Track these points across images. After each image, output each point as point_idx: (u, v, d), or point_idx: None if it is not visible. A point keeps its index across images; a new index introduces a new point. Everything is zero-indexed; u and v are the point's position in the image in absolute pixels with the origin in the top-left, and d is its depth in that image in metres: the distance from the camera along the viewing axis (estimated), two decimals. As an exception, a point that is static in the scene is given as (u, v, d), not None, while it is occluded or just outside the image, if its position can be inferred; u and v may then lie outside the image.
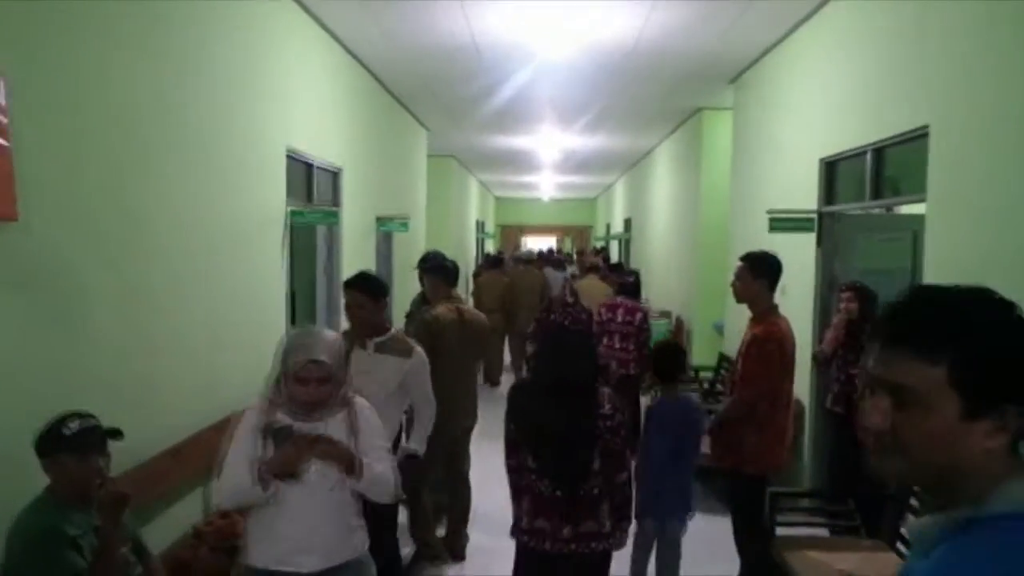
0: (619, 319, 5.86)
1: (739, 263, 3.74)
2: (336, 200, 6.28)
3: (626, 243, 16.20)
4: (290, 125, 5.11)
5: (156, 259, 3.32)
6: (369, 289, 3.47)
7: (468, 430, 4.66)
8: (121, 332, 3.04)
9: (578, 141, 11.69)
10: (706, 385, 7.17)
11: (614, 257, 17.04)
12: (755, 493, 3.60)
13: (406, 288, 8.84)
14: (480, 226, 19.32)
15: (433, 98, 8.68)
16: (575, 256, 18.73)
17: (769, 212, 5.03)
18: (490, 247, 21.30)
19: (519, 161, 14.09)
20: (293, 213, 4.99)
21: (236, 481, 2.33)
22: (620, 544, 2.87)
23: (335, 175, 6.27)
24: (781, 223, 4.98)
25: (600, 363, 3.18)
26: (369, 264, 7.35)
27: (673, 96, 8.29)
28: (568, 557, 2.73)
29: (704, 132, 8.67)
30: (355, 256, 6.76)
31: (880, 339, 1.05)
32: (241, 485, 2.32)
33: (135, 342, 3.13)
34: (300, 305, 6.75)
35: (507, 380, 10.06)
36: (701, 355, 8.23)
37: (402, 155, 9.11)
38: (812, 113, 5.15)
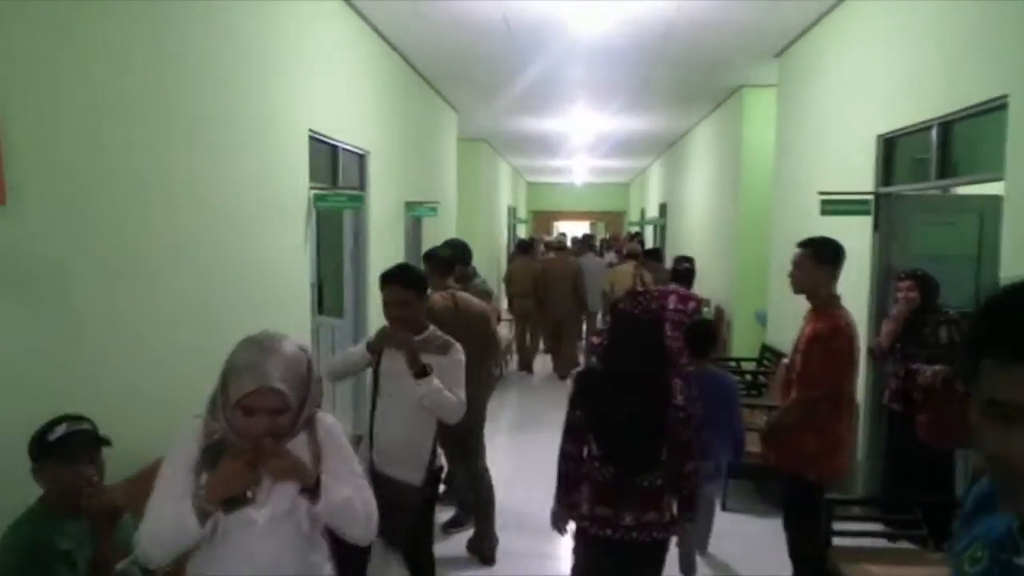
0: (671, 306, 5.56)
1: (797, 249, 3.41)
2: (363, 184, 6.07)
3: (661, 228, 15.81)
4: (314, 106, 4.89)
5: (155, 242, 3.10)
6: (412, 282, 3.22)
7: (475, 423, 4.38)
8: (111, 329, 2.84)
9: (612, 123, 11.33)
10: (748, 376, 6.84)
11: (649, 243, 16.67)
12: (813, 501, 3.31)
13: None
14: (512, 212, 19.04)
15: (463, 79, 8.42)
16: (609, 242, 18.40)
17: (821, 193, 4.68)
18: (522, 233, 21.04)
19: (551, 145, 13.76)
20: (316, 197, 4.78)
21: (164, 522, 1.76)
22: (681, 534, 2.89)
23: (362, 158, 6.06)
24: (835, 205, 4.64)
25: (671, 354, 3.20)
26: (398, 250, 7.14)
27: (713, 73, 7.92)
28: (629, 544, 2.74)
29: (745, 110, 8.28)
30: (383, 243, 6.56)
31: (1002, 355, 0.86)
32: (171, 523, 1.75)
33: (126, 339, 2.93)
34: (328, 295, 6.58)
35: (541, 365, 10.13)
36: (742, 345, 7.89)
37: (432, 138, 8.88)
38: (868, 86, 4.78)
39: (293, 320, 4.70)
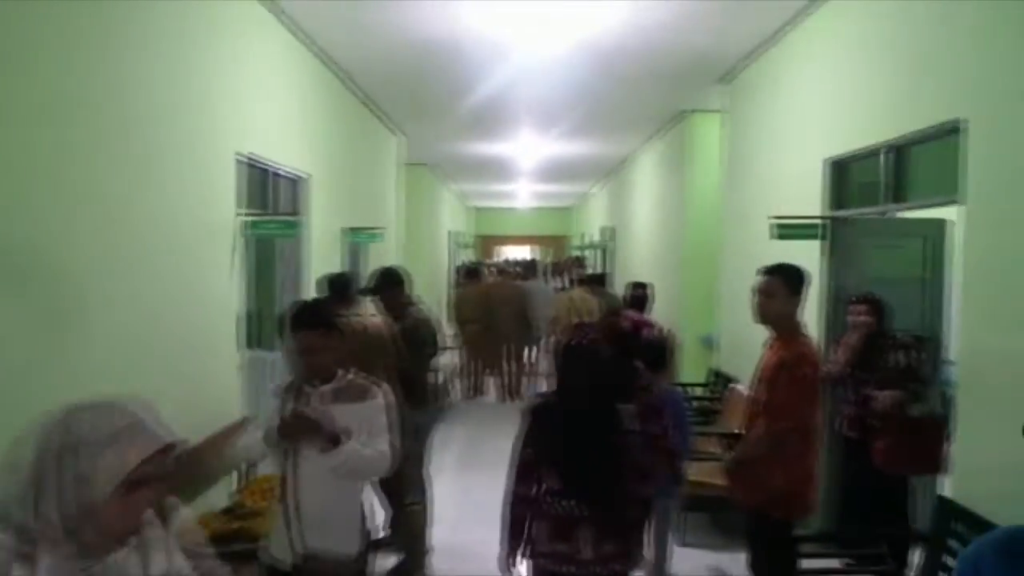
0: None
1: (765, 276, 3.26)
2: (300, 210, 5.76)
3: (604, 252, 15.81)
4: (244, 128, 4.60)
5: (66, 272, 2.80)
6: (323, 323, 2.84)
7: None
8: (25, 348, 2.51)
9: (557, 147, 11.27)
10: (696, 402, 6.73)
11: (591, 267, 16.66)
12: (782, 538, 3.15)
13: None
14: (453, 236, 18.83)
15: (408, 101, 8.21)
16: (551, 267, 18.31)
17: (773, 218, 4.60)
18: (465, 258, 20.82)
19: (496, 168, 13.64)
20: (249, 224, 4.46)
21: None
22: (637, 565, 2.86)
23: (298, 183, 5.76)
24: (788, 230, 4.56)
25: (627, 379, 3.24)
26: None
27: (657, 98, 7.91)
28: None
29: (689, 136, 8.28)
30: (323, 271, 6.23)
31: None
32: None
33: (39, 359, 2.60)
34: (264, 327, 6.21)
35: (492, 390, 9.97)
36: (689, 370, 7.78)
37: (374, 162, 8.62)
38: (817, 110, 4.76)
39: (220, 353, 4.37)
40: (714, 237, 7.61)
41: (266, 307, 6.05)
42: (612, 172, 14.27)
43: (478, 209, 24.07)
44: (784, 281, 3.18)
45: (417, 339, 4.49)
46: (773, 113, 5.59)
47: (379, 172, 9.08)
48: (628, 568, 2.77)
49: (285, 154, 5.35)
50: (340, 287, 4.43)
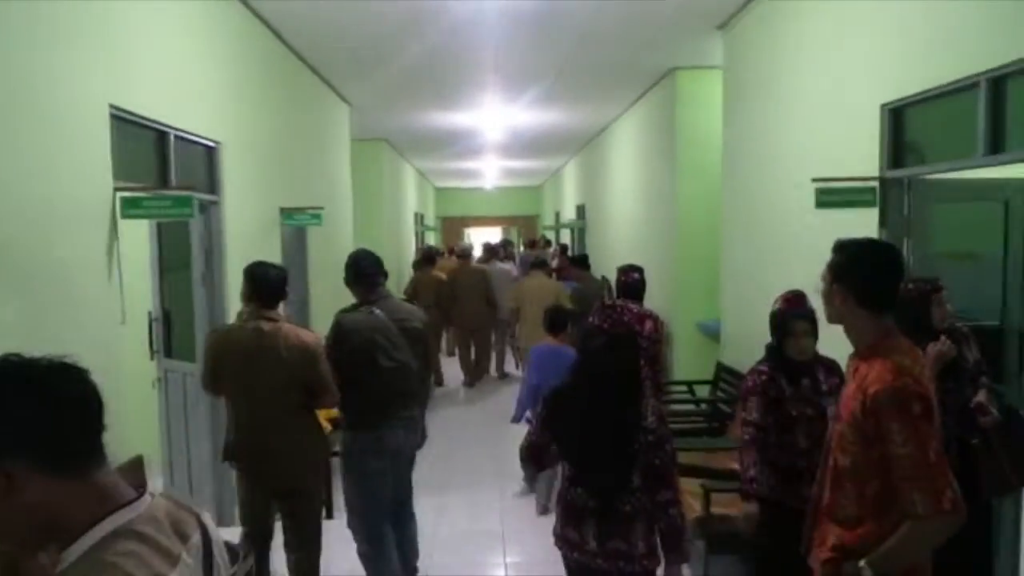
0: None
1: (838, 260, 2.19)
2: (213, 185, 4.63)
3: (580, 232, 14.80)
4: (124, 71, 3.46)
5: None
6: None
7: (292, 491, 3.46)
8: None
9: (525, 117, 10.18)
10: (705, 405, 5.78)
11: (560, 248, 15.61)
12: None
13: (326, 295, 7.22)
14: (419, 219, 17.66)
15: (355, 63, 7.05)
16: (523, 248, 17.23)
17: (816, 181, 3.61)
18: (432, 241, 19.68)
19: (459, 143, 12.45)
20: (126, 202, 3.34)
21: None
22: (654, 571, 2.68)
23: (211, 152, 4.62)
24: (831, 196, 3.58)
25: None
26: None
27: (641, 54, 6.87)
28: (597, 572, 2.65)
29: (679, 97, 7.27)
30: (249, 258, 5.12)
31: None
32: None
33: None
34: (177, 332, 5.09)
35: (452, 374, 9.48)
36: (689, 365, 6.83)
37: (317, 134, 7.46)
38: (867, 44, 3.74)
39: (100, 367, 3.24)
40: (714, 212, 6.64)
41: (181, 307, 4.94)
42: (588, 144, 13.22)
43: (442, 190, 22.90)
44: (850, 269, 2.09)
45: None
46: (794, 58, 4.57)
47: (328, 146, 7.92)
48: (640, 571, 2.62)
49: (191, 114, 4.21)
50: (264, 282, 3.41)
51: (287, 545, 3.53)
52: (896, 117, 3.54)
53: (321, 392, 3.41)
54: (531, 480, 5.37)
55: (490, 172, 18.14)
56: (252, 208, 5.25)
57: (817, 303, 4.23)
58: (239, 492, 3.58)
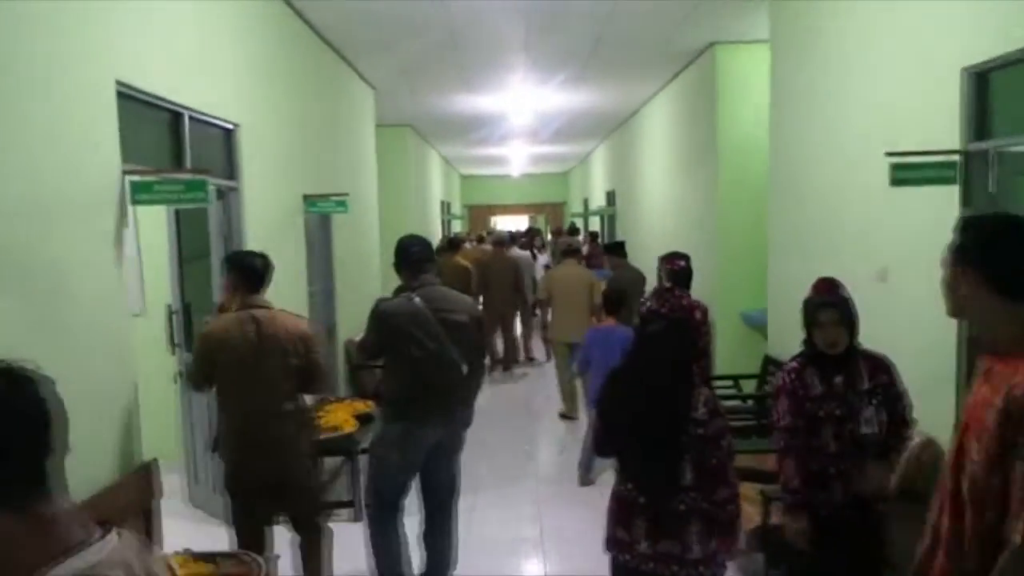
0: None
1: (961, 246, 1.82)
2: (232, 170, 4.39)
3: (610, 219, 14.43)
4: (133, 48, 3.22)
5: None
6: None
7: (283, 484, 3.31)
8: None
9: (555, 100, 9.84)
10: (750, 402, 5.44)
11: (594, 235, 15.24)
12: None
13: (352, 284, 6.97)
14: (445, 207, 17.40)
15: (380, 44, 6.77)
16: (550, 236, 16.85)
17: (891, 156, 3.25)
18: (458, 229, 19.44)
19: (486, 128, 12.13)
20: (136, 186, 3.09)
21: None
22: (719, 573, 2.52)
23: (229, 134, 4.37)
24: (909, 172, 3.22)
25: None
26: (295, 258, 5.47)
27: (677, 30, 6.50)
28: (649, 575, 2.48)
29: (720, 73, 6.88)
30: (270, 249, 4.88)
31: None
32: None
33: None
34: (198, 326, 4.87)
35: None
36: (733, 357, 6.49)
37: (341, 117, 7.20)
38: (944, 1, 3.37)
39: (107, 361, 3.02)
40: (757, 195, 6.28)
41: (202, 299, 4.71)
42: (619, 127, 12.84)
43: (468, 177, 22.63)
44: (983, 251, 1.76)
45: None
46: (854, 22, 4.19)
47: (353, 131, 7.67)
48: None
49: (206, 94, 3.96)
50: (253, 270, 3.34)
51: (296, 527, 3.50)
52: (980, 82, 3.18)
53: (318, 378, 3.38)
54: (587, 470, 5.26)
55: (517, 159, 17.81)
56: (273, 195, 5.01)
57: (871, 292, 3.90)
58: (235, 513, 3.39)
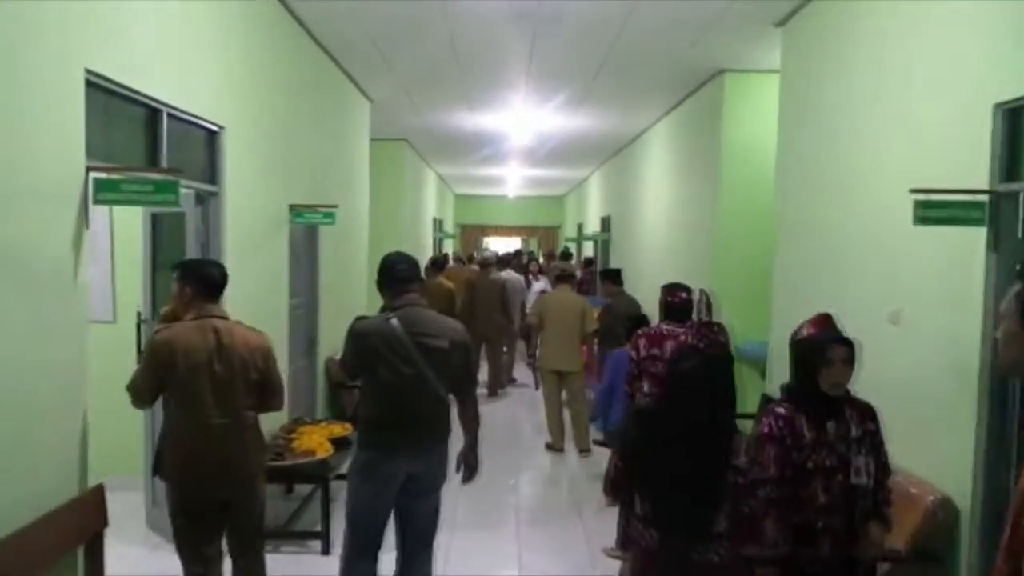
0: (668, 357, 3.83)
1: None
2: (214, 174, 4.14)
3: (604, 244, 14.24)
4: (107, 34, 2.98)
5: None
6: None
7: (229, 503, 3.12)
8: None
9: (555, 121, 9.68)
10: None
11: (579, 260, 15.05)
12: None
13: (337, 298, 6.72)
14: (438, 224, 17.17)
15: (379, 56, 6.57)
16: (541, 260, 16.59)
17: (917, 192, 3.05)
18: (450, 247, 19.20)
19: (484, 147, 11.95)
20: (99, 184, 2.84)
21: None
22: None
23: (212, 136, 4.13)
24: (934, 211, 3.02)
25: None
26: (277, 272, 5.23)
27: (686, 54, 6.34)
28: None
29: (727, 101, 6.71)
30: (253, 260, 4.64)
31: None
32: None
33: None
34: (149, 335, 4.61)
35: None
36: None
37: (334, 128, 6.99)
38: (976, 32, 3.19)
39: (61, 372, 2.75)
40: (758, 226, 6.11)
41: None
42: (617, 153, 12.69)
43: (462, 196, 22.45)
44: None
45: None
46: (872, 53, 4.02)
47: (347, 142, 7.45)
48: None
49: (188, 91, 3.72)
50: (210, 279, 3.15)
51: (231, 553, 3.25)
52: (1013, 119, 2.98)
53: (272, 394, 3.20)
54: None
55: (513, 180, 17.65)
56: (257, 202, 4.76)
57: (880, 333, 3.67)
58: (180, 537, 3.12)
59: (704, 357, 2.44)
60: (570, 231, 20.55)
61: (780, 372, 5.08)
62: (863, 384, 3.07)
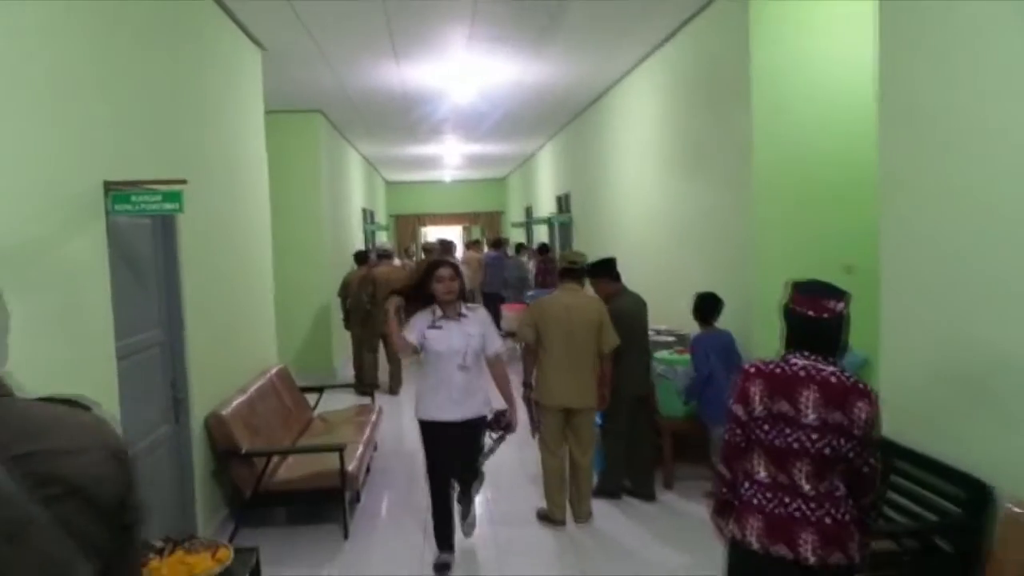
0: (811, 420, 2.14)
1: None
2: None
3: (562, 227, 12.31)
4: None
5: None
6: None
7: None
8: None
9: (507, 73, 7.67)
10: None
11: (531, 249, 12.97)
12: None
13: (232, 325, 4.57)
14: (368, 216, 14.93)
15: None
16: (486, 248, 14.28)
17: None
18: (384, 240, 16.97)
19: (416, 112, 9.67)
20: None
21: None
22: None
23: None
24: None
25: None
26: (92, 291, 3.10)
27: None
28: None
29: (756, 19, 4.84)
30: (28, 262, 2.50)
31: None
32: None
33: None
34: None
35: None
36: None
37: (202, 79, 4.82)
38: None
39: None
40: (829, 193, 4.30)
41: None
42: (576, 118, 10.73)
43: (394, 184, 20.21)
44: None
45: None
46: None
47: (225, 102, 5.28)
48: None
49: None
50: None
51: None
52: None
53: None
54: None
55: (450, 159, 15.54)
56: (35, 179, 2.63)
57: None
58: None
59: (815, 323, 2.26)
60: (516, 215, 18.57)
61: (899, 411, 3.26)
62: None
